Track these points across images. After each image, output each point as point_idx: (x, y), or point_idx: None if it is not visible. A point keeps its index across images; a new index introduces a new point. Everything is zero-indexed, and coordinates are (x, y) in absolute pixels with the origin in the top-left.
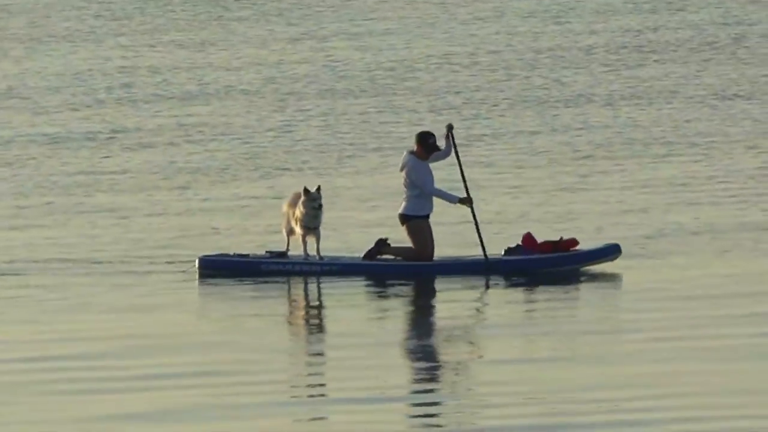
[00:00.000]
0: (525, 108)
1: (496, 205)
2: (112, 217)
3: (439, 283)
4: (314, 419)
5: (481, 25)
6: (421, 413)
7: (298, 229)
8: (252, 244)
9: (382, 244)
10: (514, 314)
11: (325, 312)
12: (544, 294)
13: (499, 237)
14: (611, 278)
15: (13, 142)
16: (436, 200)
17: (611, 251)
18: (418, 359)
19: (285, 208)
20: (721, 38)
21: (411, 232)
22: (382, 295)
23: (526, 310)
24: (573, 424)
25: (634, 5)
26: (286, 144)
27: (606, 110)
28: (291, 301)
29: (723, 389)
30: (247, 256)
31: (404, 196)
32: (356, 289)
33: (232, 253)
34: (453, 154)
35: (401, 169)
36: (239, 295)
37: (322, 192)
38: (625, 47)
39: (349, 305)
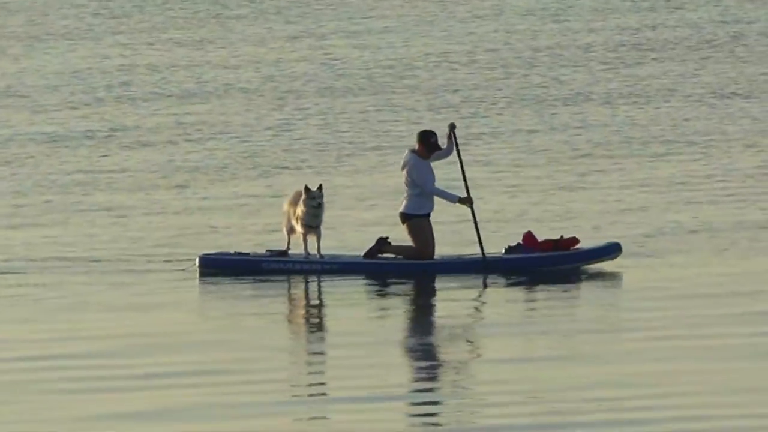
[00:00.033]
0: (523, 106)
1: (495, 204)
2: (111, 216)
3: (440, 282)
4: (314, 418)
5: (480, 23)
6: (421, 412)
7: (299, 228)
8: (250, 242)
9: (382, 243)
10: (513, 313)
11: (326, 311)
12: (543, 293)
13: (498, 236)
14: (610, 277)
15: (12, 140)
16: (436, 199)
17: (612, 250)
18: (419, 358)
19: (286, 206)
20: (720, 36)
21: (411, 231)
22: (382, 294)
23: (526, 309)
24: (573, 423)
25: (633, 3)
26: (285, 142)
27: (604, 109)
28: (291, 299)
29: (722, 388)
30: (247, 254)
31: (405, 194)
32: (357, 287)
33: (232, 251)
34: (455, 153)
35: (402, 168)
36: (239, 294)
37: (323, 191)
38: (624, 45)
39: (349, 304)
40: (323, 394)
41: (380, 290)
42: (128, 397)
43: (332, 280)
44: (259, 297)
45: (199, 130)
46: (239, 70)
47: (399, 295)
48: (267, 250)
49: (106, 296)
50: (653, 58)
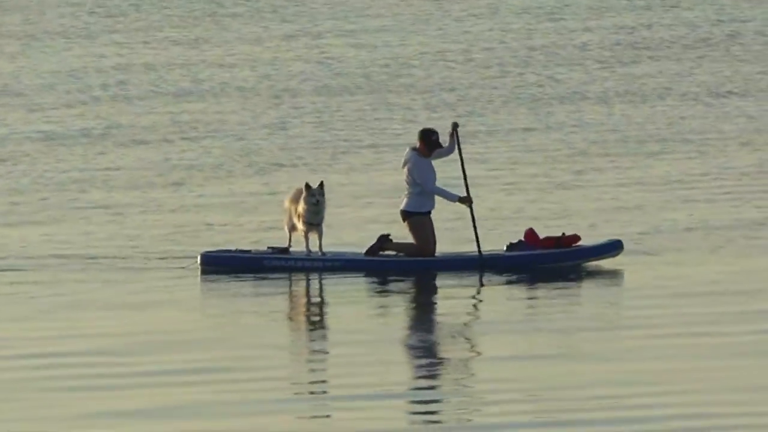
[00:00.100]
0: (519, 105)
1: (491, 202)
2: (107, 214)
3: (440, 280)
4: (315, 416)
5: (475, 21)
6: (421, 410)
7: (300, 225)
8: (247, 240)
9: (384, 240)
10: (514, 311)
11: (327, 308)
12: (543, 291)
13: (495, 233)
14: (608, 275)
15: (8, 139)
16: (435, 197)
17: (614, 247)
18: (419, 356)
19: (287, 204)
20: (716, 35)
21: (412, 229)
22: (383, 291)
23: (526, 307)
24: (573, 421)
25: (629, 2)
26: (281, 140)
27: (600, 107)
28: (292, 297)
29: (722, 386)
30: (249, 252)
31: (406, 192)
32: (358, 285)
33: (234, 249)
34: (456, 152)
35: (403, 166)
36: (240, 292)
37: (324, 188)
38: (620, 44)
39: (350, 301)
40: (324, 391)
41: (381, 288)
42: (128, 395)
43: (334, 278)
44: (260, 294)
45: (195, 128)
46: (235, 69)
47: (400, 292)
48: (268, 247)
49: (104, 294)
50: (649, 57)
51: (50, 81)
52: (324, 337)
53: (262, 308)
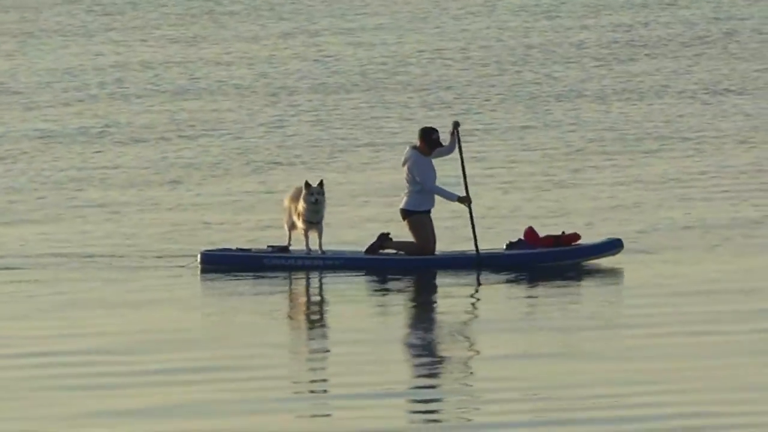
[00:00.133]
0: (516, 103)
1: (489, 200)
2: (104, 212)
3: (441, 279)
4: (315, 415)
5: (473, 19)
6: (421, 409)
7: (300, 224)
8: (244, 239)
9: (384, 239)
10: (513, 310)
11: (327, 307)
12: (542, 289)
13: (492, 232)
14: (607, 274)
15: (5, 137)
16: (436, 196)
17: (613, 246)
18: (419, 355)
19: (287, 202)
20: (713, 33)
21: (412, 227)
22: (383, 290)
23: (526, 306)
24: (573, 420)
25: (626, 0)
26: (278, 139)
27: (597, 105)
28: (292, 296)
29: (722, 385)
30: (249, 250)
31: (406, 191)
32: (358, 283)
33: (234, 248)
34: (456, 151)
35: (403, 164)
36: (240, 290)
37: (324, 186)
38: (617, 42)
39: (350, 300)
40: (324, 390)
41: (381, 286)
42: (127, 394)
43: (334, 276)
44: (260, 293)
45: (192, 126)
46: (232, 67)
47: (400, 291)
48: (268, 246)
49: (103, 293)
50: (646, 55)
51: (47, 79)
52: (324, 336)
53: (262, 307)
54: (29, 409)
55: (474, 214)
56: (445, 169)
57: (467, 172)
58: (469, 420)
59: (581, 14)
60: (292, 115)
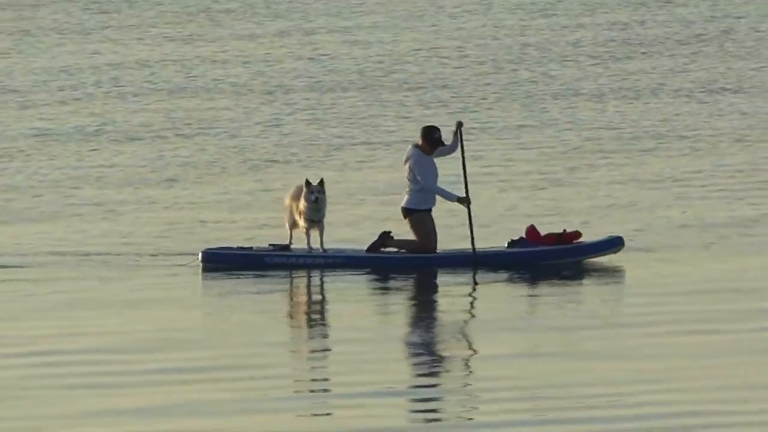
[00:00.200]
0: (513, 101)
1: (485, 199)
2: (101, 211)
3: (442, 278)
4: (316, 414)
5: (469, 18)
6: (422, 408)
7: (301, 222)
8: (241, 237)
9: (386, 237)
10: (513, 309)
11: (328, 306)
12: (544, 288)
13: (489, 231)
14: (606, 273)
15: (1, 135)
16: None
17: (615, 244)
18: (420, 354)
19: (287, 201)
20: (709, 31)
21: (413, 226)
22: (384, 289)
23: (526, 305)
24: (573, 419)
25: None
26: (274, 137)
27: (594, 104)
28: (293, 294)
29: (723, 384)
30: (250, 249)
31: (407, 189)
32: (359, 282)
33: (235, 246)
34: (459, 150)
35: (405, 162)
36: (240, 289)
37: (325, 185)
38: (613, 41)
39: (351, 299)
40: (325, 389)
41: (383, 285)
42: (127, 393)
43: (335, 275)
44: (261, 292)
45: (188, 124)
46: (228, 66)
47: (401, 290)
48: (269, 245)
49: (101, 292)
50: (642, 53)
51: (43, 77)
52: (325, 335)
53: (263, 306)
54: (29, 408)
55: (473, 215)
56: (446, 168)
57: (468, 173)
58: (469, 419)
59: (577, 12)
60: (289, 114)
